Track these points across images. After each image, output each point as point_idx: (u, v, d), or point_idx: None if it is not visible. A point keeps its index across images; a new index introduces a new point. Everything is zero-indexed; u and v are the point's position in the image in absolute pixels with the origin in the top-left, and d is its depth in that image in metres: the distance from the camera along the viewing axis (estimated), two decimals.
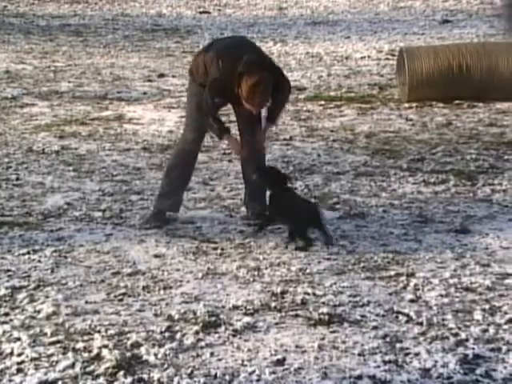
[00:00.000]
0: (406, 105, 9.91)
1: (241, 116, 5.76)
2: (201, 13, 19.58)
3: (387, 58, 13.29)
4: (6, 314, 4.38)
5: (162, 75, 11.98)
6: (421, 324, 4.29)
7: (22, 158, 7.61)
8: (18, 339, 4.08)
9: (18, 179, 6.93)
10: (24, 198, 6.42)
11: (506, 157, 7.62)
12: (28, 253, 5.27)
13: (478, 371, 3.83)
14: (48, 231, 5.69)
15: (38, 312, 4.39)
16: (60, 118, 9.32)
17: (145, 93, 10.71)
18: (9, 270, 4.99)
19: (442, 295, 4.65)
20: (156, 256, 5.22)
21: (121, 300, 4.57)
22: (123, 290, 4.69)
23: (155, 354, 3.93)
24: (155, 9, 20.01)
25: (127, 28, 17.05)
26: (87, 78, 11.83)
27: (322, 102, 10.11)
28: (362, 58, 13.55)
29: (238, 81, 5.35)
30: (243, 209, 6.01)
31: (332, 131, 8.71)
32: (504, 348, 4.03)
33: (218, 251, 5.32)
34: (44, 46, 14.85)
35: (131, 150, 7.95)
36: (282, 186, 5.57)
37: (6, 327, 4.21)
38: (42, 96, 10.50)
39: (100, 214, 6.04)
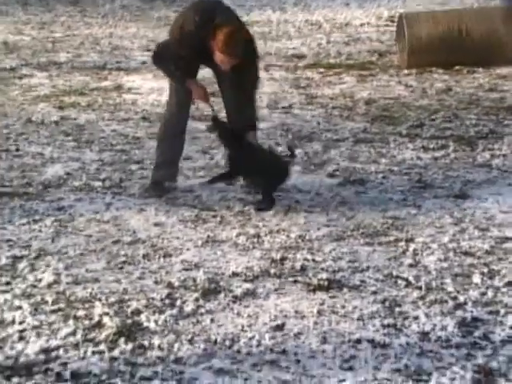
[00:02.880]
0: (406, 71, 9.88)
1: (221, 80, 5.73)
2: None
3: (387, 25, 13.24)
4: (8, 283, 4.40)
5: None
6: (420, 288, 4.31)
7: (22, 128, 7.60)
8: (20, 308, 4.11)
9: (17, 150, 6.93)
10: (24, 168, 6.42)
11: (505, 122, 7.62)
12: (28, 223, 5.28)
13: (476, 334, 3.86)
14: (48, 201, 5.70)
15: (39, 281, 4.42)
16: (59, 88, 9.30)
17: (144, 62, 10.65)
18: (9, 240, 5.00)
19: (440, 259, 4.67)
20: (156, 224, 5.24)
21: (121, 268, 4.59)
22: (123, 259, 4.71)
23: (155, 321, 3.95)
24: None
25: None
26: (86, 48, 11.79)
27: (322, 70, 10.09)
28: (361, 24, 13.49)
29: (212, 33, 5.30)
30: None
31: (331, 98, 8.70)
32: (502, 311, 4.05)
33: (218, 219, 5.33)
34: (42, 16, 14.79)
35: (130, 119, 7.94)
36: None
37: (8, 296, 4.24)
38: (41, 67, 10.47)
39: (100, 183, 6.04)
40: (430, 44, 9.82)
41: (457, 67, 9.88)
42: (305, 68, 10.24)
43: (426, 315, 4.01)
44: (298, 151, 6.77)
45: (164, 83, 9.40)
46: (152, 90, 9.14)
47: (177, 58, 5.47)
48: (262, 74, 9.82)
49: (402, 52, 10.16)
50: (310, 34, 12.80)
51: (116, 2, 16.43)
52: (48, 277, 4.44)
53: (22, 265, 4.62)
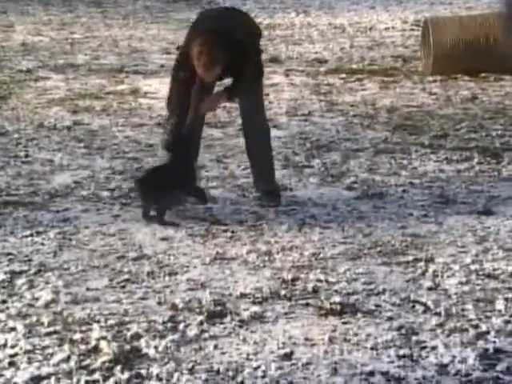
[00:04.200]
0: (430, 78, 9.58)
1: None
2: None
3: (412, 29, 12.93)
4: (3, 302, 4.17)
5: (180, 47, 11.71)
6: (439, 314, 4.05)
7: (33, 133, 7.40)
8: (13, 329, 3.87)
9: (26, 156, 6.72)
10: (32, 176, 6.22)
11: None
12: (31, 235, 5.06)
13: (498, 367, 3.58)
14: (54, 212, 5.48)
15: (37, 299, 4.18)
16: (74, 91, 9.10)
17: (162, 65, 10.40)
18: (10, 254, 4.78)
19: (462, 283, 4.40)
20: (163, 239, 5.00)
21: (123, 287, 4.35)
22: (127, 276, 4.47)
23: (155, 347, 3.71)
24: None
25: None
26: (104, 50, 11.59)
27: (343, 75, 9.81)
28: (386, 28, 13.21)
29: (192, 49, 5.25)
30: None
31: (352, 106, 8.43)
32: None
33: (229, 234, 5.09)
34: (63, 17, 14.63)
35: (145, 125, 7.72)
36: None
37: (2, 316, 4.00)
38: (58, 69, 10.28)
39: (108, 193, 5.82)
40: (455, 50, 9.52)
41: (483, 74, 9.57)
42: (326, 73, 9.97)
43: (445, 345, 3.75)
44: (316, 161, 6.55)
45: None
46: None
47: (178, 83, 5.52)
48: (282, 79, 9.67)
49: (427, 58, 9.87)
50: (334, 37, 12.53)
51: (138, 2, 16.26)
52: (46, 295, 4.21)
53: (20, 281, 4.40)
